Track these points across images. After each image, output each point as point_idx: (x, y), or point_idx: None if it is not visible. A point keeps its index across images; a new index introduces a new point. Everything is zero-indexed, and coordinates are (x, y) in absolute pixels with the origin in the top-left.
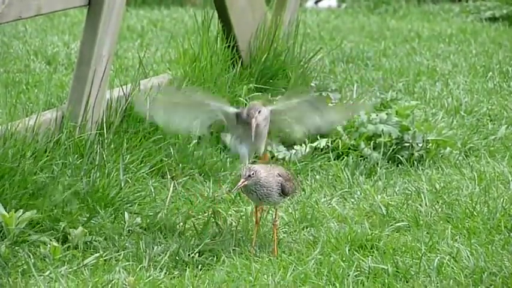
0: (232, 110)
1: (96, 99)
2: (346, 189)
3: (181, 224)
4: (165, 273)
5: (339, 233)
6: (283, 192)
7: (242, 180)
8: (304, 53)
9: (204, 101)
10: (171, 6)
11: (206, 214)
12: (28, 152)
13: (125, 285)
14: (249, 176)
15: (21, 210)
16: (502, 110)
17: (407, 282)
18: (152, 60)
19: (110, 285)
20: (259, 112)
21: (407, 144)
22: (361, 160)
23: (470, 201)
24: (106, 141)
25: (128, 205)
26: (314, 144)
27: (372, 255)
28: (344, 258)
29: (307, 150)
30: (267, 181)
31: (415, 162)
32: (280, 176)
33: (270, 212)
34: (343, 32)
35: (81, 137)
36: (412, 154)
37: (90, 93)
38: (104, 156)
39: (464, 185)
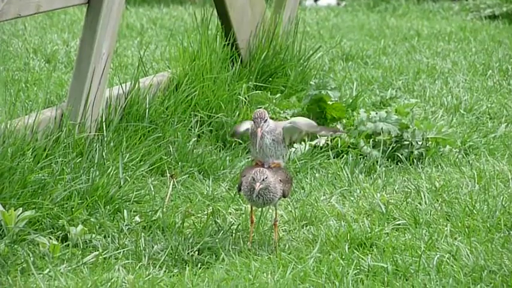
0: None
1: (96, 97)
2: (345, 188)
3: (181, 222)
4: (165, 271)
5: (339, 231)
6: (283, 196)
7: (258, 184)
8: (304, 51)
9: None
10: (171, 4)
11: (205, 212)
12: (27, 151)
13: (124, 283)
14: (263, 180)
15: (21, 209)
16: (501, 108)
17: (406, 280)
18: (151, 58)
19: (109, 284)
20: (265, 121)
21: (407, 143)
22: (360, 158)
23: (469, 200)
24: (105, 139)
25: (127, 203)
26: (313, 143)
27: (371, 254)
28: (343, 257)
29: (307, 148)
30: (274, 187)
31: (415, 161)
32: (281, 181)
33: (270, 210)
34: (343, 30)
35: (80, 135)
36: (412, 152)
37: (89, 92)
38: (104, 154)
39: (463, 183)
